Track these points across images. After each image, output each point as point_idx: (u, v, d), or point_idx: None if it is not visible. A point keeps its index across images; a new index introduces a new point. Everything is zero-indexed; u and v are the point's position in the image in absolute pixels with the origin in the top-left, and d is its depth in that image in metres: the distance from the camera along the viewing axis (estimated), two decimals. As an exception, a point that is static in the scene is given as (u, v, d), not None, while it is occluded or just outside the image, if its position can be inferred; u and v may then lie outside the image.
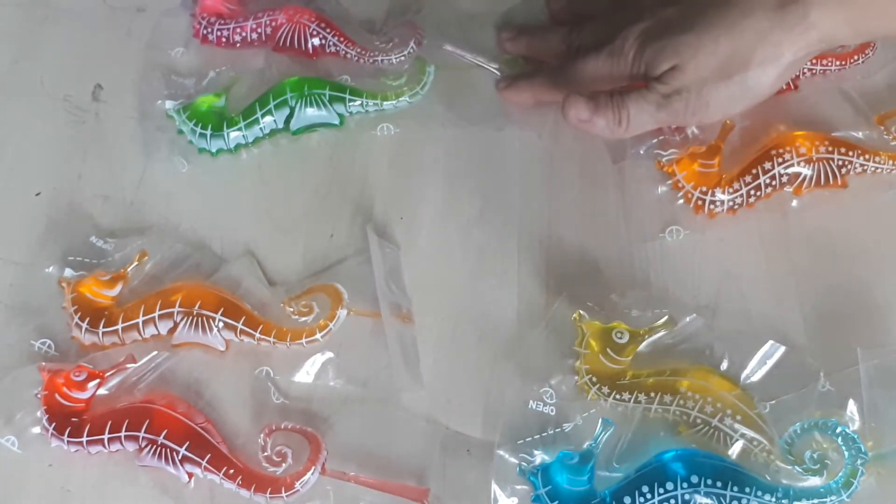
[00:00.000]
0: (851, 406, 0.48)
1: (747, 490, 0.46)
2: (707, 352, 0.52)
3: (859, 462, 0.46)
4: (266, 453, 0.49)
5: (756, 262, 0.57)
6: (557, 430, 0.50)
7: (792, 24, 0.52)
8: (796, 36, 0.52)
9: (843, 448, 0.47)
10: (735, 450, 0.48)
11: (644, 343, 0.52)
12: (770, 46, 0.52)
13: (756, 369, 0.51)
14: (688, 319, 0.53)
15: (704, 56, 0.53)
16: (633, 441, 0.49)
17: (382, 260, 0.57)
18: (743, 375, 0.51)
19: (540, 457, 0.49)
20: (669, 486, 0.46)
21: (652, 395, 0.50)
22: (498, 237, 0.59)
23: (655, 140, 0.60)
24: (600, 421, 0.48)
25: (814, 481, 0.47)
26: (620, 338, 0.52)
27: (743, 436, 0.48)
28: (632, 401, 0.50)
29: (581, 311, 0.53)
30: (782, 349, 0.51)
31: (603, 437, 0.48)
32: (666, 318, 0.53)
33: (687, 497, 0.46)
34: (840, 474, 0.47)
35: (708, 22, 0.53)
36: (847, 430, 0.47)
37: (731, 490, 0.46)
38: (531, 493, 0.48)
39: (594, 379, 0.51)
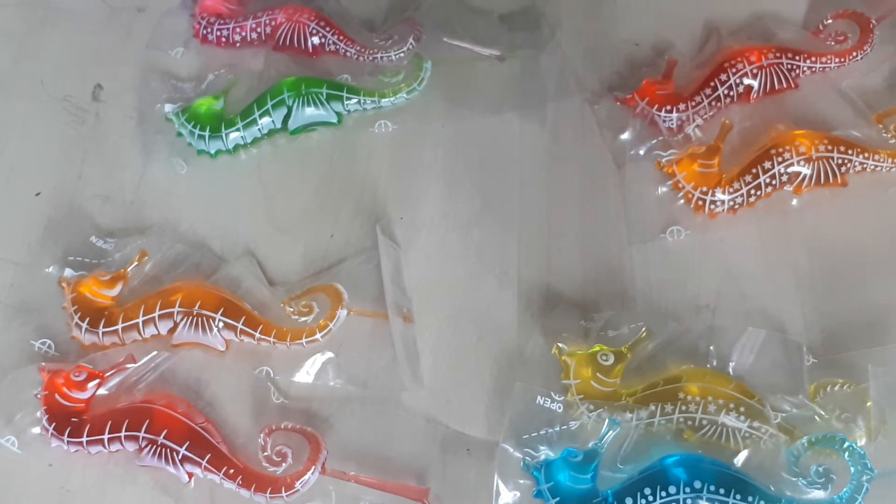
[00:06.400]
0: (859, 421, 0.48)
1: (750, 499, 0.46)
2: (697, 352, 0.52)
3: (864, 479, 0.46)
4: (266, 453, 0.49)
5: (756, 262, 0.57)
6: (563, 427, 0.50)
7: None
8: None
9: (850, 464, 0.46)
10: (743, 453, 0.48)
11: (630, 358, 0.52)
12: None
13: (743, 359, 0.51)
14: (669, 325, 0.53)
15: None
16: (639, 442, 0.49)
17: (389, 259, 0.57)
18: (731, 368, 0.51)
19: (544, 453, 0.49)
20: (672, 489, 0.46)
21: (653, 407, 0.50)
22: (498, 237, 0.59)
23: (655, 141, 0.60)
24: (607, 421, 0.48)
25: (817, 494, 0.46)
26: (606, 360, 0.52)
27: (750, 426, 0.48)
28: (633, 419, 0.50)
29: (559, 344, 0.52)
30: (763, 333, 0.51)
31: (609, 437, 0.48)
32: (644, 330, 0.52)
33: (689, 502, 0.46)
34: (845, 490, 0.46)
35: None
36: (854, 446, 0.46)
37: (734, 498, 0.46)
38: (533, 489, 0.48)
39: (591, 406, 0.50)
